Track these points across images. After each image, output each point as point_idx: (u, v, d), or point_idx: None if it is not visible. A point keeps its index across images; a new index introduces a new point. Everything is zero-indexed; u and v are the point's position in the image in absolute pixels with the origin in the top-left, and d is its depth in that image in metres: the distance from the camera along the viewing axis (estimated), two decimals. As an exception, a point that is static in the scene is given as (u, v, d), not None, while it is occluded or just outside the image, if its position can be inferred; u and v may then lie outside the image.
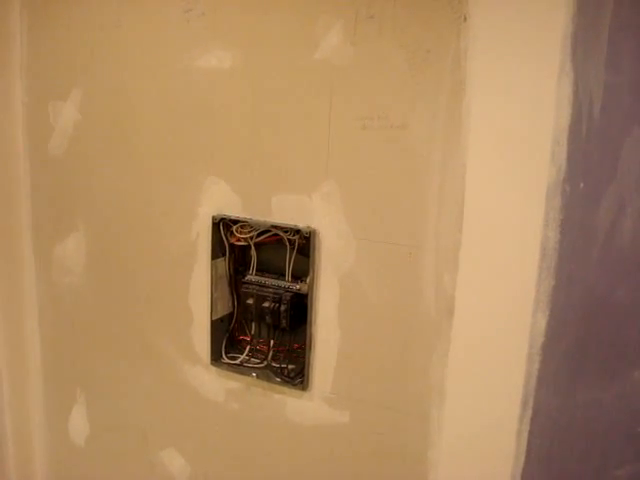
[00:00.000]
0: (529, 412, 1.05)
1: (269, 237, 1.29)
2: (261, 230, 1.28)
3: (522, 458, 1.07)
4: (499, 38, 0.98)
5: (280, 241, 1.28)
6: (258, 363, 1.34)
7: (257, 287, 1.31)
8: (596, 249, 0.97)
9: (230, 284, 1.37)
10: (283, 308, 1.27)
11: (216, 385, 1.40)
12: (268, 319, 1.29)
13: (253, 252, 1.32)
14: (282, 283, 1.29)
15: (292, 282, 1.28)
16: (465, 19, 1.01)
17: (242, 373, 1.35)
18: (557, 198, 0.97)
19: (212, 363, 1.38)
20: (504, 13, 0.97)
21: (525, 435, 1.06)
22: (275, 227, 1.26)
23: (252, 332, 1.35)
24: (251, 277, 1.33)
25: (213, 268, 1.34)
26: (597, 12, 0.92)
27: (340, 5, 1.11)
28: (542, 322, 1.02)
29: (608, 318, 0.98)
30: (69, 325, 1.62)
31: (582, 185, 0.96)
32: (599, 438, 1.01)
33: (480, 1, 0.99)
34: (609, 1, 0.91)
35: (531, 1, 0.95)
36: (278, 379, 1.31)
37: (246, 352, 1.36)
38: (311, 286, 1.23)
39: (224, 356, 1.38)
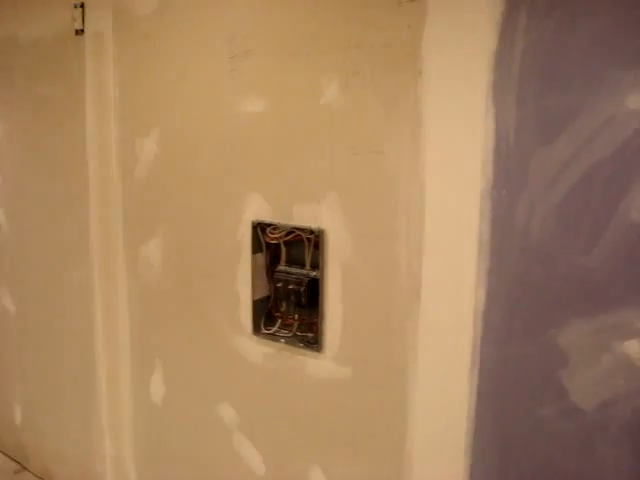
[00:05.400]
0: (477, 363, 1.40)
1: (294, 236, 1.70)
2: (287, 231, 1.70)
3: (474, 398, 1.42)
4: (443, 86, 1.36)
5: (302, 239, 1.69)
6: (287, 333, 1.75)
7: (285, 274, 1.73)
8: (517, 239, 1.32)
9: (267, 273, 1.79)
10: (303, 289, 1.67)
11: (256, 350, 1.82)
12: (293, 298, 1.70)
13: (282, 248, 1.74)
14: (303, 271, 1.70)
15: (310, 270, 1.69)
16: (420, 73, 1.39)
17: (275, 340, 1.76)
18: (488, 201, 1.33)
19: (254, 333, 1.80)
20: (447, 69, 1.35)
21: (475, 382, 1.41)
22: (296, 228, 1.67)
23: (283, 309, 1.77)
24: (281, 267, 1.75)
25: (254, 261, 1.77)
26: (509, 68, 1.28)
27: (336, 65, 1.52)
28: (482, 295, 1.37)
29: (529, 291, 1.32)
30: (150, 308, 2.10)
31: (504, 192, 1.32)
32: (527, 382, 1.34)
33: (431, 60, 1.37)
34: (516, 61, 1.27)
35: (464, 60, 1.32)
36: (301, 345, 1.71)
37: (278, 325, 1.78)
38: (321, 272, 1.63)
39: (262, 328, 1.80)
